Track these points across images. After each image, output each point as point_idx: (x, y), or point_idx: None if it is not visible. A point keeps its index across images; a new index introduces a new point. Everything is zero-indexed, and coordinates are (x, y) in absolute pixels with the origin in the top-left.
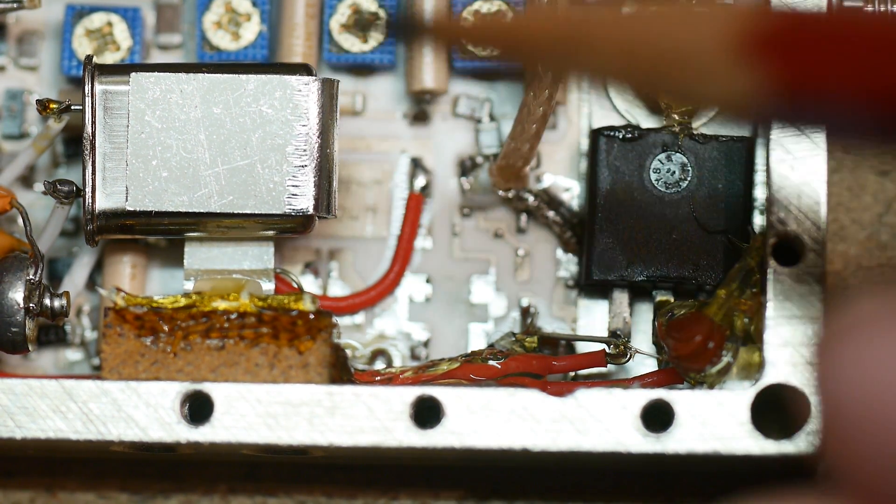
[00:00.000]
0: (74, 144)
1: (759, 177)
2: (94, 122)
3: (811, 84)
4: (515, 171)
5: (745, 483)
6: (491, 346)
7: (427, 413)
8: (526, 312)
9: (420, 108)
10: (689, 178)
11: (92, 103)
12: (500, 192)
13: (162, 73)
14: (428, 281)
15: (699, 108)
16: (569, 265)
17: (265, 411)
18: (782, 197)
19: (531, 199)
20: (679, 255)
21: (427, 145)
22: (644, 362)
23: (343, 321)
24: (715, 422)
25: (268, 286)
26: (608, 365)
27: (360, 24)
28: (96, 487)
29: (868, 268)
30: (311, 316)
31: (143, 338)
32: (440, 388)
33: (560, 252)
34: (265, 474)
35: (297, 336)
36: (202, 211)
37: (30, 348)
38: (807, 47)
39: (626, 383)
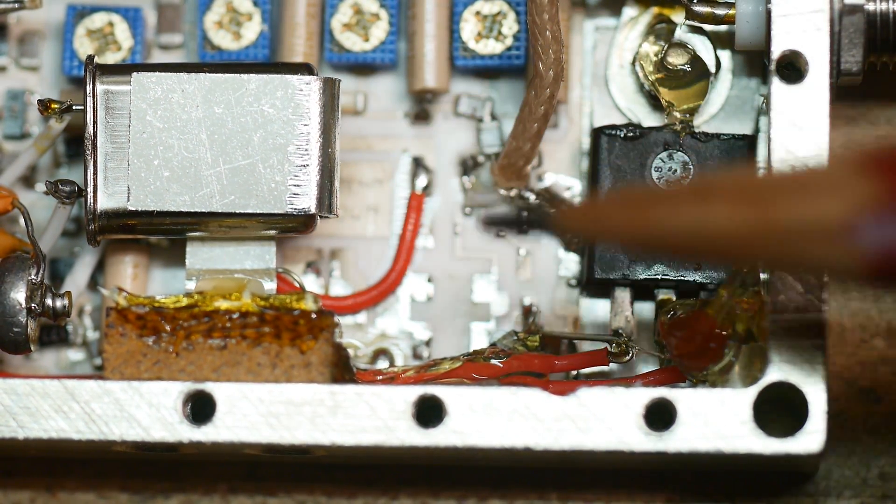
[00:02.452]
0: (76, 144)
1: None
2: (95, 122)
3: None
4: (517, 169)
5: (746, 481)
6: (493, 345)
7: (429, 412)
8: (528, 311)
9: (421, 107)
10: (690, 177)
11: (93, 103)
12: (502, 191)
13: (163, 73)
14: (430, 280)
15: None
16: (570, 264)
17: (267, 411)
18: None
19: (533, 197)
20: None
21: (428, 144)
22: (646, 361)
23: (345, 320)
24: (717, 420)
25: (269, 286)
26: (610, 364)
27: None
28: (96, 487)
29: None
30: (313, 315)
31: (145, 338)
32: (442, 388)
33: (561, 251)
34: (265, 474)
35: (299, 335)
36: (204, 211)
37: (32, 348)
38: None
39: (629, 382)
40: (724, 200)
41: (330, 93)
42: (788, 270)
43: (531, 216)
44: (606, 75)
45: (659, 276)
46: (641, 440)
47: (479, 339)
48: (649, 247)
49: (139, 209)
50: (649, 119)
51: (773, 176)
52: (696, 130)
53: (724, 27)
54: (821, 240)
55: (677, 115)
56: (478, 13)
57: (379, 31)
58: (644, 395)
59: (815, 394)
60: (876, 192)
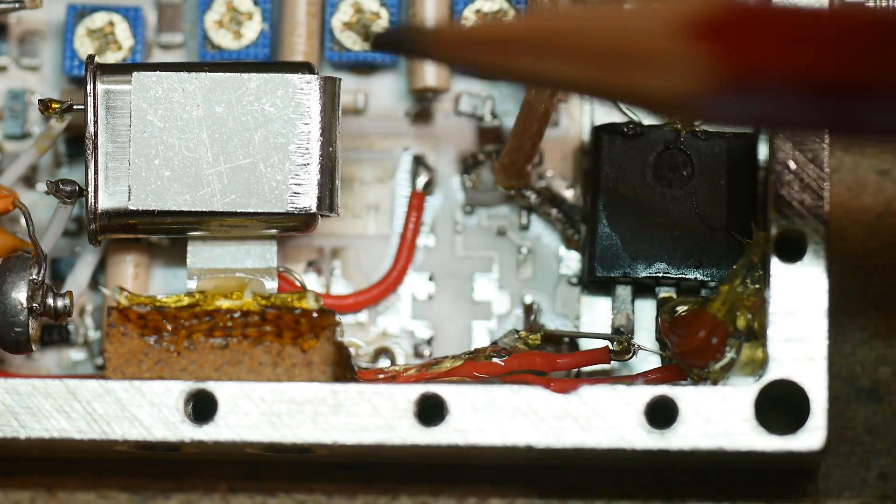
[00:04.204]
0: (77, 144)
1: (762, 173)
2: (96, 122)
3: (756, 73)
4: (518, 168)
5: (747, 481)
6: (494, 343)
7: (431, 411)
8: (529, 310)
9: (422, 105)
10: (691, 175)
11: (94, 103)
12: (503, 190)
13: (164, 73)
14: (431, 279)
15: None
16: (571, 262)
17: (269, 410)
18: (784, 193)
19: (534, 196)
20: (682, 252)
21: (429, 143)
22: (647, 359)
23: (346, 319)
24: (719, 418)
25: (271, 285)
26: (612, 362)
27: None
28: (96, 487)
29: (868, 268)
30: (315, 314)
31: (146, 337)
32: (444, 386)
33: (563, 249)
34: (265, 474)
35: (300, 334)
36: (205, 210)
37: (33, 348)
38: (751, 36)
39: (630, 380)
40: (568, 55)
41: (330, 92)
42: (625, 100)
43: (405, 35)
44: None
45: (660, 275)
46: (643, 438)
47: (481, 337)
48: (507, 79)
49: (140, 208)
50: (650, 118)
51: (598, 28)
52: (697, 129)
53: None
54: (658, 106)
55: None
56: (478, 11)
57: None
58: (646, 393)
59: (817, 391)
60: (705, 69)
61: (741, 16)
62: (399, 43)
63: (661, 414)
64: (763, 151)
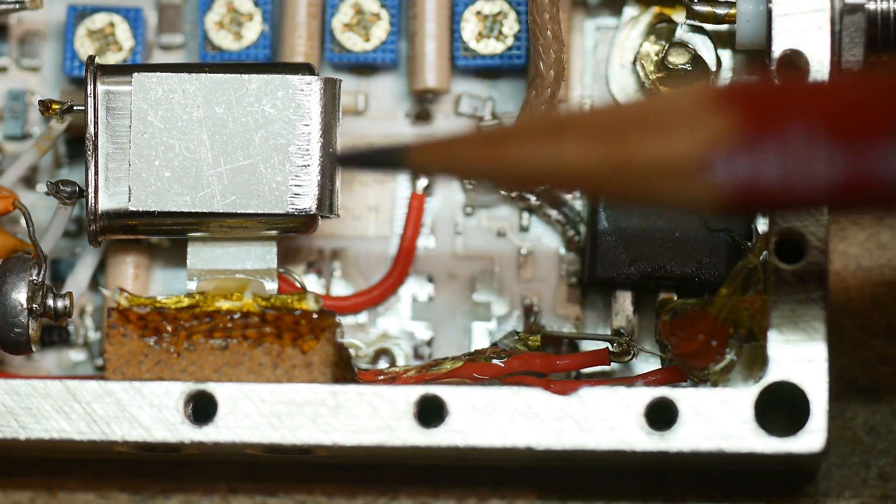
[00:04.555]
0: (77, 145)
1: None
2: (96, 123)
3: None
4: None
5: (747, 481)
6: (494, 344)
7: (431, 412)
8: (529, 311)
9: (422, 107)
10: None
11: (94, 104)
12: (503, 191)
13: (164, 74)
14: (431, 280)
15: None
16: (572, 263)
17: (269, 411)
18: None
19: (534, 197)
20: (682, 253)
21: None
22: (647, 360)
23: (346, 320)
24: (719, 420)
25: (271, 286)
26: (611, 363)
27: None
28: (96, 487)
29: (868, 268)
30: (315, 315)
31: (146, 338)
32: (444, 388)
33: (563, 250)
34: (265, 474)
35: (300, 336)
36: (205, 211)
37: (33, 349)
38: (767, 96)
39: (630, 381)
40: (576, 135)
41: (331, 93)
42: (641, 206)
43: (384, 154)
44: (607, 75)
45: (660, 276)
46: (643, 440)
47: (481, 338)
48: (504, 182)
49: (140, 209)
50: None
51: (623, 109)
52: None
53: (724, 26)
54: (672, 174)
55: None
56: (478, 13)
57: (380, 31)
58: (645, 395)
59: (817, 393)
60: (726, 125)
61: (758, 84)
62: (374, 162)
63: (661, 415)
64: None
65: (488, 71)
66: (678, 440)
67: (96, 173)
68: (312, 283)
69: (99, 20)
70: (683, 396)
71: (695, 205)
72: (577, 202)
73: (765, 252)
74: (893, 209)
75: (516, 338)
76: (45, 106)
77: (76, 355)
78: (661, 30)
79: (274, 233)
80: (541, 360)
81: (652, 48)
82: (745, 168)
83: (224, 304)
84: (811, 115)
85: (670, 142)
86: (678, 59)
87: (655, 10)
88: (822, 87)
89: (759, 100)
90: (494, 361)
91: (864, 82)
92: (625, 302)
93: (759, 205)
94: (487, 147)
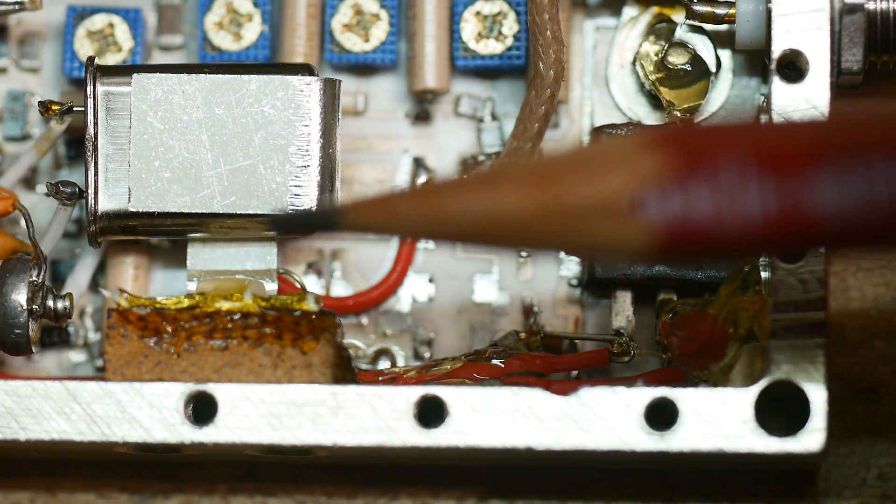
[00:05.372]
0: (77, 146)
1: None
2: (96, 124)
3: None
4: None
5: (747, 481)
6: (494, 345)
7: (431, 413)
8: (529, 311)
9: (422, 107)
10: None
11: (94, 105)
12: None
13: (164, 74)
14: (431, 280)
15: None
16: (571, 264)
17: (269, 412)
18: None
19: None
20: None
21: (429, 145)
22: (647, 361)
23: (346, 321)
24: (719, 420)
25: (271, 286)
26: (611, 363)
27: None
28: (96, 487)
29: (868, 269)
30: (315, 316)
31: (146, 339)
32: (444, 388)
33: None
34: (265, 474)
35: (300, 336)
36: (205, 211)
37: (33, 350)
38: (699, 136)
39: (630, 382)
40: (511, 181)
41: (330, 93)
42: (578, 254)
43: (318, 217)
44: (607, 75)
45: (660, 276)
46: (643, 440)
47: (481, 339)
48: (440, 237)
49: (140, 210)
50: (650, 118)
51: (560, 155)
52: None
53: (724, 26)
54: (605, 215)
55: (678, 114)
56: (478, 13)
57: (379, 32)
58: (645, 395)
59: (816, 393)
60: (658, 164)
61: (689, 125)
62: (309, 225)
63: (661, 416)
64: None
65: (488, 71)
66: (678, 440)
67: (96, 174)
68: (312, 283)
69: (98, 21)
70: (683, 396)
71: (629, 248)
72: None
73: None
74: (828, 244)
75: (516, 338)
76: (44, 107)
77: (76, 356)
78: (661, 30)
79: (274, 233)
80: (541, 360)
81: (651, 48)
82: (678, 204)
83: (224, 305)
84: (742, 150)
85: (603, 182)
86: (678, 59)
87: (655, 10)
88: (754, 125)
89: (690, 139)
90: (494, 362)
91: (793, 121)
92: (624, 302)
93: (692, 244)
94: (422, 201)
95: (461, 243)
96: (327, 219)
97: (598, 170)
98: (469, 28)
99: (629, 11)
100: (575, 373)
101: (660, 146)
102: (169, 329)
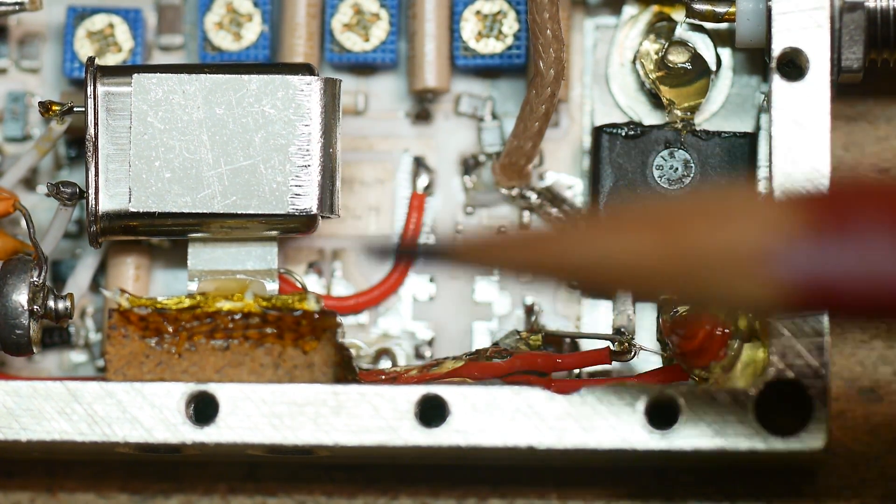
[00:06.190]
0: (77, 146)
1: (762, 172)
2: (96, 124)
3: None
4: (518, 169)
5: (747, 481)
6: (495, 344)
7: (432, 412)
8: (530, 310)
9: (422, 106)
10: (692, 175)
11: (94, 105)
12: (503, 191)
13: (164, 74)
14: (432, 280)
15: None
16: None
17: (270, 411)
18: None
19: (534, 196)
20: None
21: (430, 144)
22: (649, 359)
23: (347, 321)
24: (720, 418)
25: (272, 286)
26: (613, 362)
27: None
28: (96, 487)
29: None
30: (316, 316)
31: (147, 339)
32: (445, 387)
33: None
34: (265, 474)
35: (301, 336)
36: (205, 211)
37: (34, 350)
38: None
39: (631, 380)
40: (635, 231)
41: (331, 93)
42: (703, 304)
43: (426, 247)
44: (607, 74)
45: None
46: (644, 439)
47: (482, 338)
48: (557, 279)
49: (141, 210)
50: (650, 117)
51: (684, 205)
52: (697, 128)
53: (724, 25)
54: (735, 270)
55: (678, 113)
56: (478, 12)
57: (379, 31)
58: (647, 394)
59: (817, 392)
60: (790, 224)
61: (826, 191)
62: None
63: (663, 414)
64: (763, 151)
65: (488, 70)
66: (680, 439)
67: (96, 174)
68: (313, 283)
69: (98, 21)
70: (684, 395)
71: (756, 300)
72: (576, 200)
73: None
74: None
75: (517, 337)
76: (45, 107)
77: (77, 356)
78: (661, 29)
79: (274, 233)
80: (542, 359)
81: (651, 47)
82: (808, 262)
83: (225, 305)
84: (877, 211)
85: (732, 236)
86: (678, 57)
87: (655, 8)
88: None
89: (825, 200)
90: (496, 361)
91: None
92: (625, 301)
93: (820, 300)
94: (539, 244)
95: (581, 286)
96: (440, 254)
97: (724, 222)
98: (469, 27)
99: (629, 10)
100: (576, 371)
101: (795, 206)
102: (170, 329)
